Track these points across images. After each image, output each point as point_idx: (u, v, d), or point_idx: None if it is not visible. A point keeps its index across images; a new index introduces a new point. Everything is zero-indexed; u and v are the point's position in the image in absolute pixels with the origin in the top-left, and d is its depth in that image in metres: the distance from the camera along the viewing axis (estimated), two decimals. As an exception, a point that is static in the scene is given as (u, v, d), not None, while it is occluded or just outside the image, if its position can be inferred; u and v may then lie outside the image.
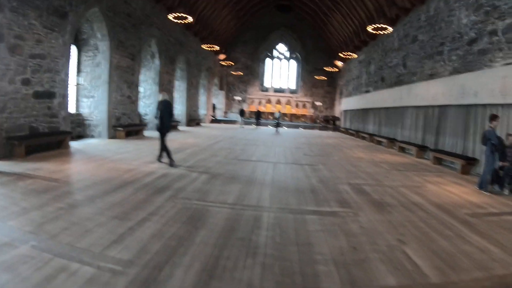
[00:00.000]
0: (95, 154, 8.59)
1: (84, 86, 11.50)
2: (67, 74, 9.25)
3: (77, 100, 11.51)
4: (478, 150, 9.24)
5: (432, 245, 3.80)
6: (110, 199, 4.76)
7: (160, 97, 8.13)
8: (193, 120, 22.97)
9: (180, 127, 19.87)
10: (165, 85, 17.18)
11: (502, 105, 8.37)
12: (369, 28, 15.78)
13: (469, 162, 9.31)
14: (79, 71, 11.36)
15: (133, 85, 13.84)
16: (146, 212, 4.27)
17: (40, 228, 3.50)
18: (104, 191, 5.19)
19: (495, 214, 5.45)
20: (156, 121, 7.94)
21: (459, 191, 6.87)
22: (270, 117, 30.71)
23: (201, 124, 25.45)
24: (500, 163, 7.04)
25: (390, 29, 15.34)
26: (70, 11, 9.05)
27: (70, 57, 9.40)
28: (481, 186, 7.02)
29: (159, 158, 8.03)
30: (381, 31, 15.61)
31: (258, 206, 4.97)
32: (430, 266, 3.26)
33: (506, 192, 6.85)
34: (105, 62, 11.53)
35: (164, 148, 7.85)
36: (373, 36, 19.05)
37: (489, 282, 3.04)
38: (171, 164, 7.63)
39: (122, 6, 12.30)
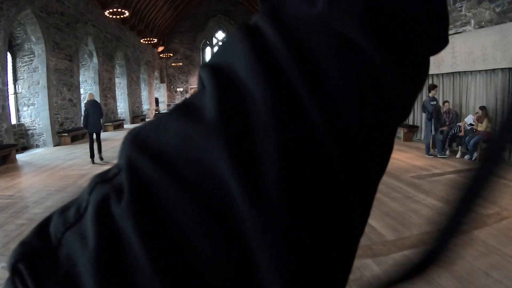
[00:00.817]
0: (44, 164, 8.30)
1: (22, 94, 10.76)
2: (5, 84, 8.65)
3: (17, 110, 10.76)
4: (418, 118, 10.44)
5: (383, 207, 4.37)
6: (69, 207, 4.78)
7: (87, 98, 8.45)
8: (137, 117, 22.32)
9: (125, 125, 19.28)
10: (105, 84, 16.50)
11: (436, 75, 9.39)
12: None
13: (411, 129, 10.37)
14: (16, 79, 10.58)
15: (73, 87, 13.17)
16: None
17: (5, 248, 3.54)
18: (62, 200, 5.15)
19: (438, 174, 6.27)
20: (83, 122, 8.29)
21: (404, 157, 7.68)
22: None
23: (146, 119, 24.82)
24: (440, 128, 7.97)
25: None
26: (1, 16, 8.40)
27: (7, 65, 8.78)
28: (427, 152, 7.88)
29: (100, 156, 8.35)
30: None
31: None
32: (384, 226, 3.81)
33: (447, 153, 7.79)
34: (42, 66, 10.83)
35: (91, 145, 8.21)
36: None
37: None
38: (92, 162, 8.15)
39: (55, 5, 11.55)
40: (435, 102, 7.72)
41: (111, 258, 0.17)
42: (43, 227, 0.20)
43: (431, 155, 7.78)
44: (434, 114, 7.72)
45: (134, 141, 0.19)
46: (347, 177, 0.19)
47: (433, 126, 7.79)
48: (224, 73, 0.19)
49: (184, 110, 0.20)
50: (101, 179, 0.20)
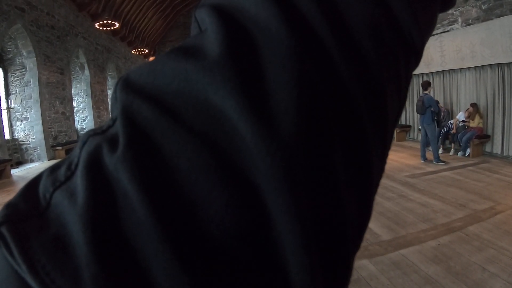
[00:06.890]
0: (40, 179, 8.19)
1: (15, 109, 10.71)
2: (-3, 99, 8.62)
3: (11, 125, 10.70)
4: (410, 117, 10.48)
5: (378, 208, 4.38)
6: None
7: None
8: (132, 127, 22.28)
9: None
10: (98, 96, 16.48)
11: (426, 74, 9.49)
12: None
13: (404, 129, 10.45)
14: (8, 93, 10.54)
15: (66, 100, 13.13)
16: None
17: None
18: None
19: (432, 172, 6.30)
20: None
21: (397, 157, 7.70)
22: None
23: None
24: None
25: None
26: (-9, 32, 8.39)
27: (-2, 80, 8.76)
28: (436, 158, 7.07)
29: None
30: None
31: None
32: (379, 226, 3.83)
33: (440, 151, 7.79)
34: (34, 80, 10.80)
35: None
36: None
37: (434, 231, 3.67)
38: None
39: (45, 19, 11.56)
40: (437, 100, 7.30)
41: (103, 213, 0.15)
42: (31, 187, 0.18)
43: (442, 161, 6.98)
44: (439, 113, 7.31)
45: (127, 87, 0.17)
46: (368, 116, 0.18)
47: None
48: (228, 11, 0.18)
49: (183, 51, 0.18)
50: (93, 132, 0.18)
